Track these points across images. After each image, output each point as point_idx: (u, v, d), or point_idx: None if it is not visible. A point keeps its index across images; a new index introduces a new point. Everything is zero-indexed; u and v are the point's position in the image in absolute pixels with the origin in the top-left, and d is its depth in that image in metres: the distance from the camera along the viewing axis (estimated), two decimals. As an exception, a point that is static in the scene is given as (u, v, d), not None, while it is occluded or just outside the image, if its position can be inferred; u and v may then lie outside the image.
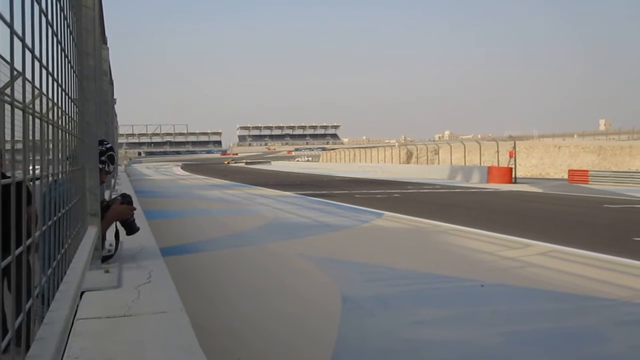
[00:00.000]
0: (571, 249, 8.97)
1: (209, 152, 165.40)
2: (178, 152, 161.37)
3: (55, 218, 1.41)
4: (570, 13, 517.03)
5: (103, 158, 3.22)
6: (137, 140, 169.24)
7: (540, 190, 24.42)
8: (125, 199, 3.30)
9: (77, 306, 2.04)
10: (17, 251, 0.89)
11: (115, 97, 12.59)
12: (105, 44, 6.95)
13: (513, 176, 29.67)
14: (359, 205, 17.01)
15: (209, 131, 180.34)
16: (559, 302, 6.07)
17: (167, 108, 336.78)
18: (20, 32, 0.88)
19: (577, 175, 30.19)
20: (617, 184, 26.89)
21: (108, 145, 3.33)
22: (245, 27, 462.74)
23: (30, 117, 1.07)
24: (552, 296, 6.30)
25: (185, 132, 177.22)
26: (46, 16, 1.19)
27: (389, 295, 6.37)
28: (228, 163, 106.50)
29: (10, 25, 0.82)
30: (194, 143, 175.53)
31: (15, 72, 0.89)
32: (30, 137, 1.13)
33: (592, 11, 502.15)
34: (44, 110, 1.24)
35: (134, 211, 3.32)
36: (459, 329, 5.17)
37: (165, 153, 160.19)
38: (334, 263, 8.16)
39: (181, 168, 76.17)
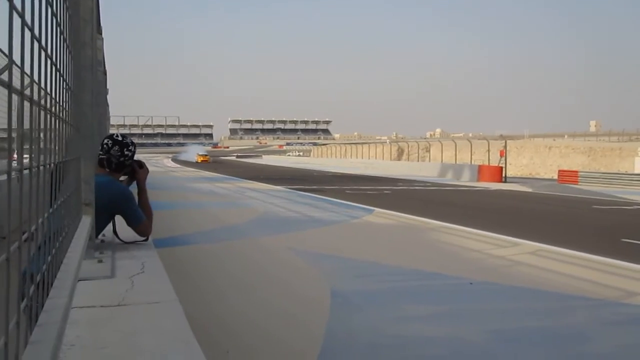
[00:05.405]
0: (559, 249, 9.05)
1: (200, 144, 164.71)
2: (169, 144, 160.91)
3: (53, 207, 1.42)
4: (563, 14, 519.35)
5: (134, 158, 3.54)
6: (128, 132, 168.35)
7: (530, 190, 24.57)
8: (139, 163, 3.61)
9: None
10: (24, 236, 0.91)
11: (107, 87, 12.51)
12: (100, 34, 6.92)
13: (503, 175, 29.85)
14: (349, 201, 17.05)
15: (200, 124, 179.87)
16: (546, 301, 6.14)
17: (159, 99, 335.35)
18: (30, 23, 0.90)
19: (566, 176, 30.40)
20: (607, 185, 27.09)
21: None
22: (237, 21, 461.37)
23: (37, 109, 1.09)
24: (539, 295, 6.36)
25: (176, 124, 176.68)
26: (51, 7, 1.20)
27: (377, 291, 6.42)
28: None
29: (21, 15, 0.84)
30: (185, 135, 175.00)
31: (8, 59, 0.91)
32: (36, 127, 1.14)
33: (585, 13, 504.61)
34: (46, 100, 1.26)
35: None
36: (446, 325, 5.21)
37: (156, 145, 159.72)
38: (323, 258, 8.19)
39: (172, 160, 75.84)
